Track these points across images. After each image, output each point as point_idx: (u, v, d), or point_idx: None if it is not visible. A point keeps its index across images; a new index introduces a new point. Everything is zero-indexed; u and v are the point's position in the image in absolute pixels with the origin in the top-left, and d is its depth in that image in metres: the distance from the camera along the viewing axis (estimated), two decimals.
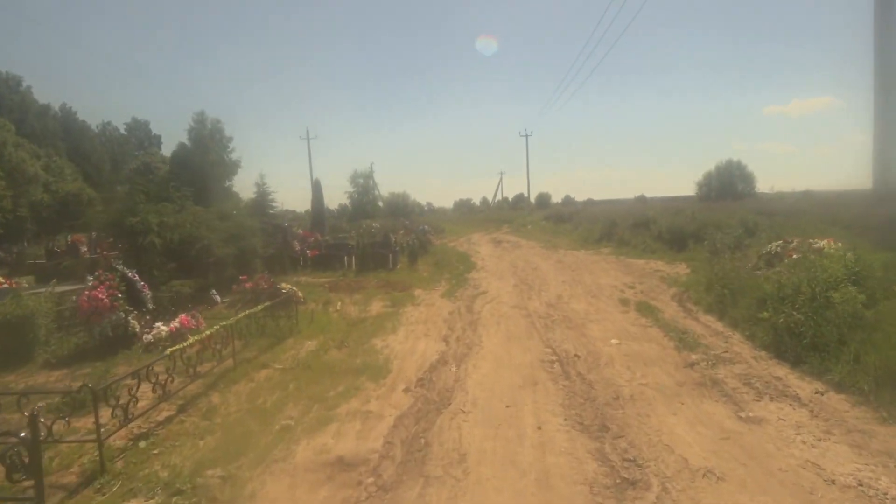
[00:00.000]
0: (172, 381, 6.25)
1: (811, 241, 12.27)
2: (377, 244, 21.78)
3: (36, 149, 52.56)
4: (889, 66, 20.45)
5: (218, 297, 12.57)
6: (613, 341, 8.67)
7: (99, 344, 8.70)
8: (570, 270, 17.71)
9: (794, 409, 5.75)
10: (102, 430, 4.88)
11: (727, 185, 62.57)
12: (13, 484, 4.11)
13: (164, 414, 6.12)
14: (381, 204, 77.30)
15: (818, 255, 9.72)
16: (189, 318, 9.25)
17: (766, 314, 8.31)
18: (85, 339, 9.03)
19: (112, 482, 4.63)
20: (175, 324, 9.13)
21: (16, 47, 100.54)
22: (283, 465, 4.88)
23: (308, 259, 18.86)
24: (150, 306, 10.25)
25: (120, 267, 9.94)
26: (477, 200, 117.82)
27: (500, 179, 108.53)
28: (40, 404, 6.00)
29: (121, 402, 5.25)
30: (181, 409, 6.28)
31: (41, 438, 4.12)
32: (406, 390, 6.75)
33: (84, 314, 8.91)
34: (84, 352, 8.73)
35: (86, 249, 20.82)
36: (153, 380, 5.81)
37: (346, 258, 18.58)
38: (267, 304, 9.75)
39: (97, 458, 4.84)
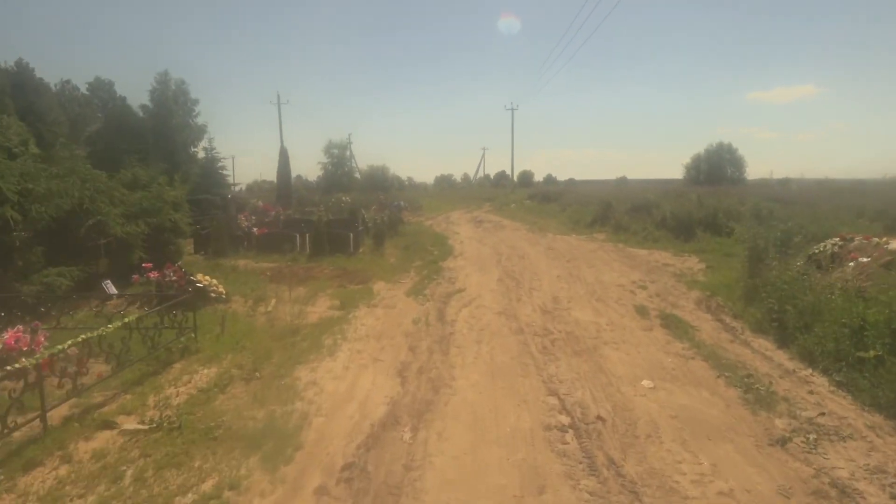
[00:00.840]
0: None
1: (877, 240, 9.69)
2: (339, 222, 18.80)
3: None
4: None
5: (113, 289, 9.55)
6: (646, 383, 5.95)
7: None
8: (564, 261, 14.99)
9: None
10: None
11: (717, 168, 60.47)
12: None
13: None
14: (358, 176, 73.89)
15: None
16: (23, 334, 6.25)
17: (871, 354, 5.65)
18: None
19: None
20: None
21: None
22: None
23: (254, 239, 15.80)
24: None
25: None
26: (458, 177, 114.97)
27: (483, 155, 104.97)
28: None
29: None
30: None
31: None
32: (319, 492, 3.93)
33: None
34: None
35: None
36: None
37: (299, 239, 15.57)
38: (167, 305, 6.82)
39: None
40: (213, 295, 9.49)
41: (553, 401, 5.47)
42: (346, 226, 18.20)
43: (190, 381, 6.04)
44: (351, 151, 74.25)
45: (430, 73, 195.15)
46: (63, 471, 4.18)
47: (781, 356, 6.90)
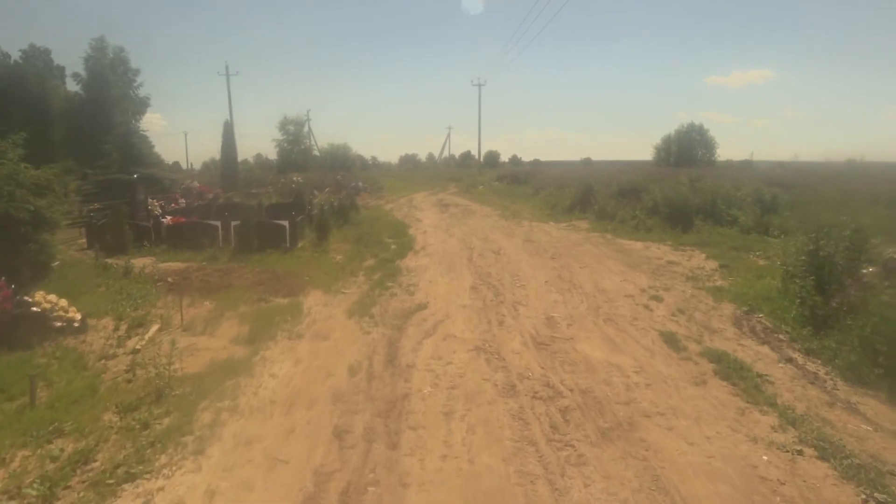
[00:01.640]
0: None
1: None
2: (280, 208, 15.73)
3: None
4: None
5: None
6: None
7: None
8: (548, 257, 12.35)
9: None
10: None
11: (687, 150, 58.97)
12: None
13: None
14: (317, 153, 69.98)
15: None
16: None
17: None
18: None
19: None
20: None
21: None
22: None
23: (164, 230, 12.57)
24: None
25: None
26: (423, 156, 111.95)
27: (448, 135, 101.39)
28: None
29: None
30: None
31: None
32: None
33: None
34: None
35: None
36: None
37: (222, 229, 12.44)
38: None
39: None
40: (58, 324, 6.45)
41: None
42: (288, 212, 15.17)
43: None
44: (310, 128, 70.14)
45: (393, 50, 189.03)
46: None
47: None
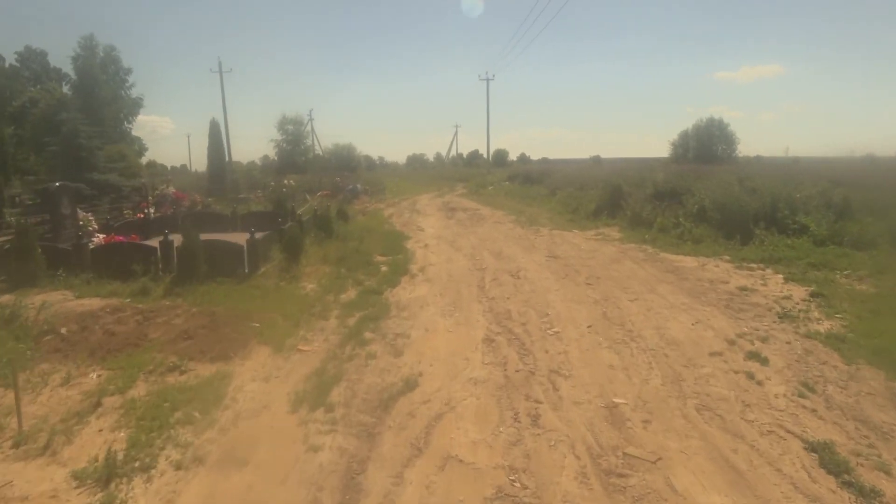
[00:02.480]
0: None
1: None
2: (257, 218, 13.02)
3: None
4: None
5: None
6: None
7: None
8: (584, 282, 9.52)
9: None
10: None
11: (707, 146, 55.82)
12: None
13: None
14: (321, 153, 67.64)
15: None
16: None
17: None
18: None
19: None
20: None
21: None
22: None
23: (88, 254, 9.80)
24: None
25: None
26: (431, 156, 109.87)
27: (456, 133, 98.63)
28: None
29: None
30: None
31: None
32: None
33: None
34: None
35: None
36: None
37: (164, 252, 9.67)
38: None
39: None
40: None
41: None
42: (270, 221, 12.46)
43: None
44: (312, 128, 67.76)
45: (397, 48, 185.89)
46: None
47: None
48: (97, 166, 19.19)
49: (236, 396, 5.09)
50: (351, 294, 8.83)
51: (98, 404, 4.89)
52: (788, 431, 4.39)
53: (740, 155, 52.60)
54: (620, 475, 3.80)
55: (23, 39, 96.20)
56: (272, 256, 10.34)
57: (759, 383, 5.33)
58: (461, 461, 3.97)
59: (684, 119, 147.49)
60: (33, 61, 73.22)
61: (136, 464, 3.93)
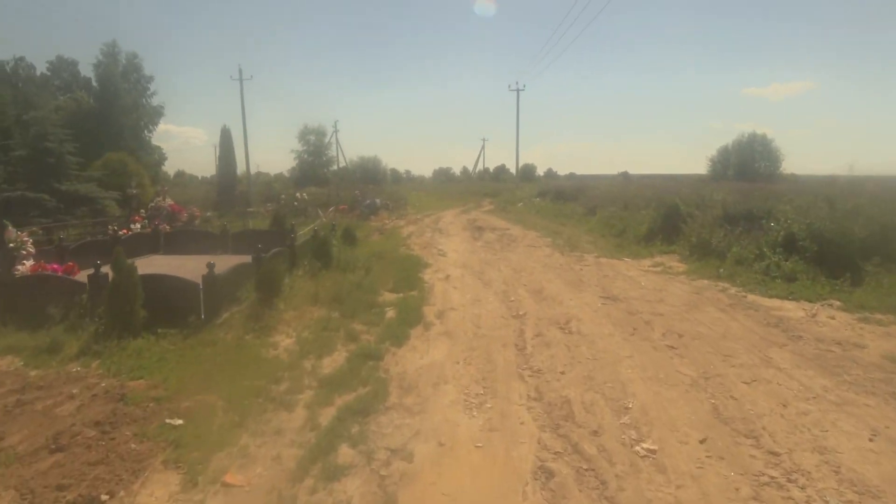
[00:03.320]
0: None
1: None
2: (249, 238, 10.67)
3: None
4: None
5: None
6: None
7: None
8: (663, 342, 6.81)
9: None
10: None
11: (748, 162, 52.37)
12: None
13: None
14: (345, 165, 66.20)
15: None
16: None
17: None
18: None
19: None
20: None
21: None
22: None
23: (5, 289, 7.46)
24: None
25: None
26: (457, 170, 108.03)
27: (483, 146, 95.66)
28: None
29: None
30: None
31: None
32: None
33: None
34: None
35: None
36: None
37: (91, 288, 7.28)
38: None
39: None
40: None
41: None
42: (266, 242, 10.07)
43: None
44: (337, 140, 66.32)
45: (424, 58, 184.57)
46: None
47: None
48: (67, 174, 17.09)
49: None
50: (338, 358, 6.28)
51: None
52: None
53: (785, 172, 49.06)
54: None
55: (55, 49, 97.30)
56: (242, 296, 7.86)
57: None
58: None
59: (713, 135, 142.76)
60: (64, 70, 73.36)
61: None
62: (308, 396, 5.22)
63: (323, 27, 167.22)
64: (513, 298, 9.29)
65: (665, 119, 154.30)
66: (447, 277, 11.25)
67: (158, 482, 3.79)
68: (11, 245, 8.34)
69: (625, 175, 69.66)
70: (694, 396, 5.26)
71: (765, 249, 11.70)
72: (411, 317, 7.91)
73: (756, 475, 3.89)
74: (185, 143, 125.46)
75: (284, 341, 6.81)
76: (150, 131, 55.09)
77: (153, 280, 6.89)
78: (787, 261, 11.13)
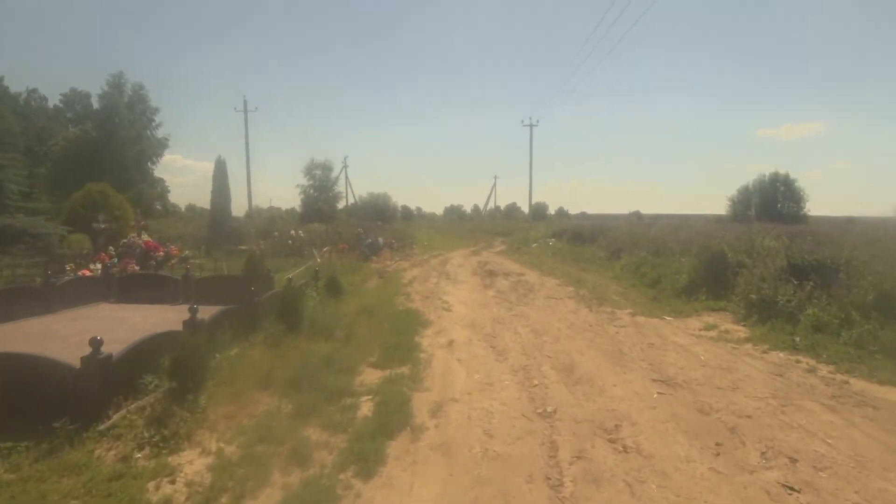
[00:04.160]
0: None
1: None
2: (218, 286, 8.50)
3: None
4: None
5: None
6: None
7: None
8: (779, 486, 4.39)
9: None
10: None
11: (771, 203, 49.97)
12: None
13: None
14: (354, 202, 64.79)
15: None
16: None
17: None
18: None
19: None
20: None
21: None
22: None
23: None
24: None
25: None
26: (468, 208, 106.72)
27: (494, 184, 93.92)
28: None
29: None
30: None
31: None
32: None
33: None
34: None
35: None
36: None
37: None
38: None
39: None
40: None
41: None
42: (239, 291, 7.88)
43: None
44: (346, 175, 65.07)
45: (436, 97, 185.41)
46: None
47: None
48: (3, 205, 15.06)
49: None
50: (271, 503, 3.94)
51: None
52: None
53: (809, 213, 46.69)
54: None
55: (69, 81, 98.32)
56: (154, 381, 5.55)
57: None
58: None
59: (725, 175, 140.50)
60: (77, 102, 73.34)
61: None
62: None
63: (333, 64, 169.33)
64: (536, 382, 6.91)
65: (679, 160, 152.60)
66: (450, 343, 8.90)
67: None
68: None
69: (636, 214, 67.52)
70: None
71: (853, 313, 9.27)
72: (395, 417, 5.54)
73: None
74: (202, 176, 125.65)
75: (194, 464, 4.47)
76: (153, 163, 54.01)
77: (5, 361, 4.63)
78: (883, 328, 8.69)
